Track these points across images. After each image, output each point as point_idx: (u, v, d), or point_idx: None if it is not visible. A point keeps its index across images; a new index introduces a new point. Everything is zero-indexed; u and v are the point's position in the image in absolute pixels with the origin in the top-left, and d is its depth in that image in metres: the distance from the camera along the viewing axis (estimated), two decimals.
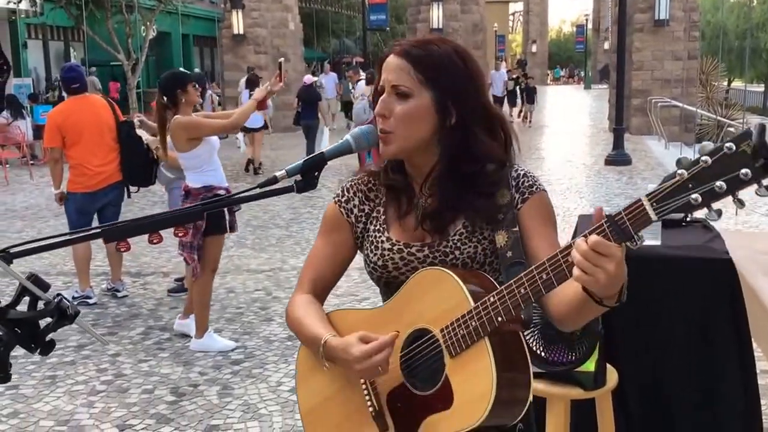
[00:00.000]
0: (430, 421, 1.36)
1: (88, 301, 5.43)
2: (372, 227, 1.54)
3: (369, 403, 1.44)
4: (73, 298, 5.34)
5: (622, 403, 2.37)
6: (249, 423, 3.60)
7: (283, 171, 1.42)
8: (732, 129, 14.52)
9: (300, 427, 3.25)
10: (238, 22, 18.79)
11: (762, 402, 2.81)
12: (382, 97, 1.44)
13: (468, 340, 1.31)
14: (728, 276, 2.38)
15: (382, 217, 1.53)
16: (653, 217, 1.12)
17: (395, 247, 1.48)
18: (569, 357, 2.20)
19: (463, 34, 18.81)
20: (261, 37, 19.13)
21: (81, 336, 4.76)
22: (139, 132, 5.67)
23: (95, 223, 5.69)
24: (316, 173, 1.44)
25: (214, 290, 5.78)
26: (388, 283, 1.51)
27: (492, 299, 1.29)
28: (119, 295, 5.63)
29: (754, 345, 2.62)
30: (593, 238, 1.17)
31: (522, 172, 1.49)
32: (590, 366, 2.23)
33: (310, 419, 1.57)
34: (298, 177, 1.43)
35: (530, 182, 1.47)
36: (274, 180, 1.42)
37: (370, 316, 1.48)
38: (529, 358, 1.33)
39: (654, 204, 1.10)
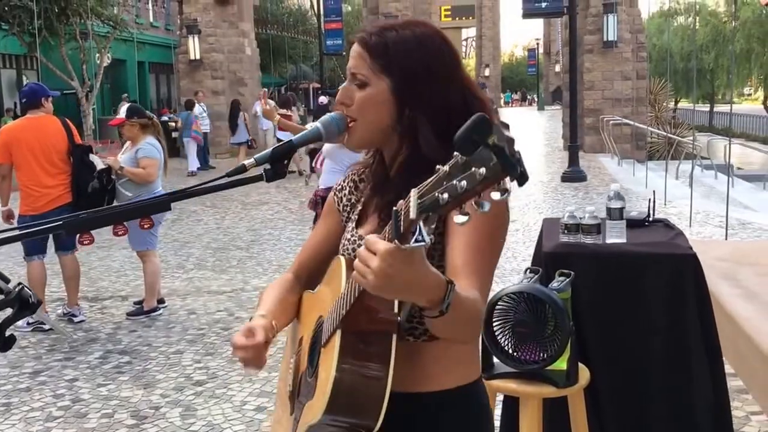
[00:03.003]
0: (305, 407, 1.36)
1: (43, 326, 5.24)
2: (351, 217, 1.53)
3: (289, 383, 1.51)
4: (28, 323, 5.17)
5: (595, 400, 2.37)
6: None
7: (252, 159, 1.39)
8: (682, 146, 14.96)
9: None
10: (194, 48, 18.69)
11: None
12: (343, 85, 1.41)
13: (329, 330, 1.28)
14: (694, 270, 2.42)
15: (359, 207, 1.51)
16: (412, 213, 0.96)
17: (352, 238, 1.46)
18: (541, 355, 2.19)
19: None
20: (218, 63, 19.05)
21: (36, 362, 4.59)
22: (93, 157, 5.55)
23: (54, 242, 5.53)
24: (286, 161, 1.41)
25: (175, 312, 5.67)
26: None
27: (344, 289, 1.25)
28: (76, 320, 5.45)
29: None
30: (367, 236, 1.08)
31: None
32: (562, 364, 2.22)
33: (277, 392, 1.69)
34: (267, 166, 1.40)
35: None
36: (243, 169, 1.38)
37: (308, 303, 1.53)
38: (392, 360, 1.21)
39: (418, 200, 0.96)
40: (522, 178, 0.90)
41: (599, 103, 17.73)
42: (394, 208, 1.03)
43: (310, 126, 1.48)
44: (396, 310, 1.23)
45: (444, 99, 1.34)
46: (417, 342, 1.33)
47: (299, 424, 1.37)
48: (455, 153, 0.93)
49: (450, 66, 1.38)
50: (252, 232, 9.01)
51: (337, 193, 1.58)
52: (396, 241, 1.01)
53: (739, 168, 16.89)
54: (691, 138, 15.02)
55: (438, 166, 0.95)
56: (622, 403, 2.45)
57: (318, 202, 4.97)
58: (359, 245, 1.33)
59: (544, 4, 15.90)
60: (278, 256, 7.64)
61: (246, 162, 1.38)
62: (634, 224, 2.76)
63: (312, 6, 28.33)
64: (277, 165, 1.40)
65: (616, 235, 2.52)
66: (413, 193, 0.97)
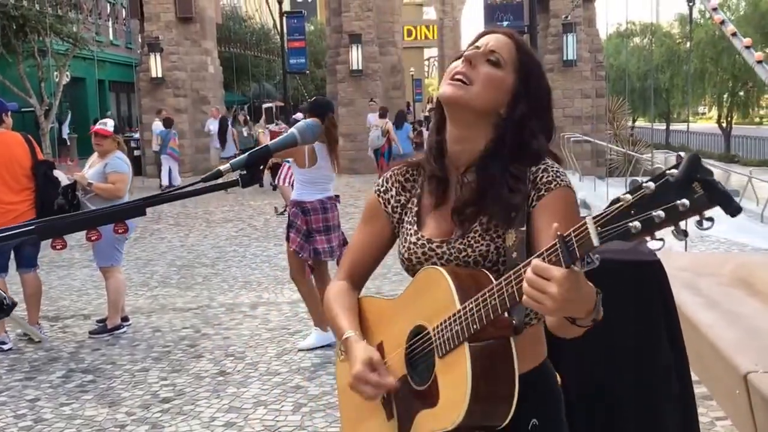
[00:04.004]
0: (421, 415, 1.39)
1: (3, 347, 5.10)
2: (406, 218, 1.54)
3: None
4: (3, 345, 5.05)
5: (566, 405, 2.39)
6: None
7: (228, 165, 1.40)
8: (642, 163, 15.29)
9: None
10: (156, 66, 18.53)
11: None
12: (474, 51, 1.45)
13: (451, 343, 1.31)
14: (658, 276, 2.47)
15: (415, 209, 1.53)
16: (595, 242, 1.05)
17: (419, 242, 1.48)
18: None
19: (382, 75, 19.18)
20: (180, 81, 18.91)
21: None
22: (57, 173, 5.46)
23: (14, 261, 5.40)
24: (261, 167, 1.42)
25: (139, 329, 5.58)
26: (414, 274, 1.51)
27: (470, 305, 1.28)
28: (36, 339, 5.32)
29: None
30: (534, 262, 1.15)
31: (543, 167, 1.42)
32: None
33: (343, 396, 1.65)
34: (243, 171, 1.41)
35: (550, 177, 1.41)
36: (218, 174, 1.39)
37: (387, 307, 1.53)
38: (515, 363, 1.30)
39: (599, 228, 1.05)
40: (736, 210, 0.97)
41: (560, 120, 18.04)
42: (560, 233, 1.12)
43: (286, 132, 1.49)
44: (507, 314, 1.31)
45: (549, 114, 1.51)
46: None
47: (416, 430, 1.40)
48: (646, 183, 1.00)
49: (551, 94, 1.54)
50: (217, 249, 8.92)
51: (381, 194, 1.58)
52: (571, 266, 1.10)
53: None
54: (650, 155, 15.41)
55: (620, 196, 1.03)
56: (592, 409, 2.48)
57: (292, 222, 4.93)
58: (430, 249, 1.46)
59: (505, 23, 16.19)
60: (244, 272, 7.58)
61: (221, 167, 1.39)
62: None
63: (275, 25, 28.35)
64: (253, 170, 1.41)
65: None
66: (590, 222, 1.07)
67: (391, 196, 1.56)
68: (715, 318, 3.92)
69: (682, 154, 1.09)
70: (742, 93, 32.56)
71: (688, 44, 30.23)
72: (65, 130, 22.88)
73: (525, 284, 1.15)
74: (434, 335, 1.35)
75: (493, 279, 1.34)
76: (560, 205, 1.39)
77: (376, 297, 1.60)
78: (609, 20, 71.10)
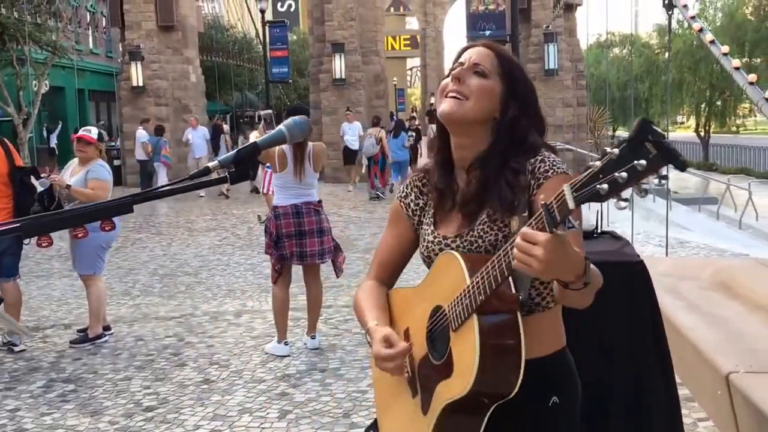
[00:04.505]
0: (439, 386, 1.49)
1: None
2: (424, 220, 1.68)
3: (406, 369, 1.59)
4: None
5: None
6: None
7: (216, 162, 1.40)
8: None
9: None
10: (137, 74, 18.44)
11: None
12: (460, 68, 1.58)
13: (463, 316, 1.42)
14: (643, 277, 2.50)
15: (431, 210, 1.66)
16: (571, 204, 1.17)
17: (435, 240, 1.61)
18: None
19: (365, 84, 19.22)
20: (162, 89, 18.82)
21: None
22: (34, 180, 5.39)
23: None
24: (250, 164, 1.42)
25: (121, 339, 5.52)
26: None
27: (476, 279, 1.40)
28: (16, 349, 5.25)
29: None
30: (523, 230, 1.26)
31: (540, 158, 1.54)
32: None
33: (377, 385, 1.77)
34: (232, 168, 1.41)
35: (546, 167, 1.52)
36: (207, 171, 1.39)
37: (411, 294, 1.64)
38: (521, 332, 1.39)
39: (574, 193, 1.16)
40: (684, 165, 1.12)
41: None
42: (543, 202, 1.23)
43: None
44: (514, 290, 1.42)
45: (538, 110, 1.63)
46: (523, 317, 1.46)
47: (434, 402, 1.50)
48: (610, 150, 1.11)
49: (536, 92, 1.67)
50: (200, 258, 8.87)
51: (403, 200, 1.73)
52: (553, 229, 1.21)
53: (675, 192, 17.52)
54: None
55: (590, 163, 1.14)
56: (580, 409, 2.49)
57: (271, 232, 4.92)
58: (446, 244, 1.57)
59: (487, 33, 16.31)
60: (228, 280, 7.53)
61: (210, 164, 1.39)
62: (582, 236, 2.84)
63: (257, 34, 28.34)
64: (242, 167, 1.41)
65: None
66: (566, 188, 1.17)
67: (411, 201, 1.71)
68: (696, 321, 3.96)
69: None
70: (719, 102, 33.01)
71: (667, 54, 30.65)
72: (53, 140, 22.67)
73: (515, 250, 1.27)
74: (449, 311, 1.47)
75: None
76: (557, 189, 1.49)
77: (402, 288, 1.72)
78: (589, 31, 71.95)
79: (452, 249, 1.56)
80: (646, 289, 2.53)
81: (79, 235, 4.56)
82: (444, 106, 1.57)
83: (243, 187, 15.99)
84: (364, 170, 15.73)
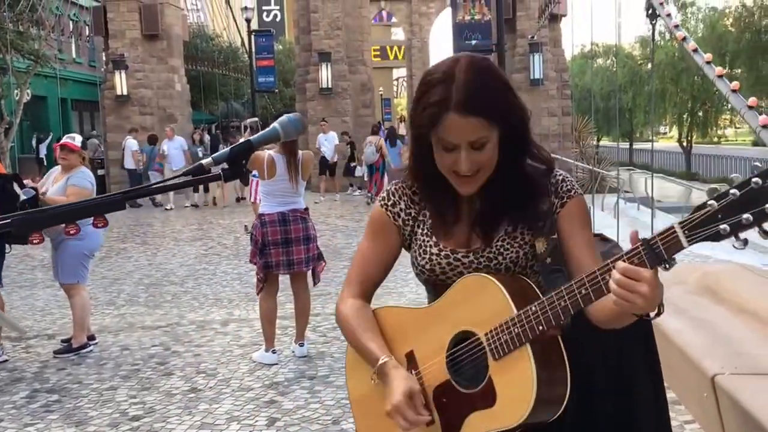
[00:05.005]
0: (474, 416, 1.44)
1: None
2: (420, 230, 1.57)
3: (430, 415, 1.50)
4: None
5: None
6: None
7: (210, 159, 1.39)
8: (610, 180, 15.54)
9: None
10: (121, 83, 18.35)
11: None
12: (463, 157, 1.41)
13: (510, 345, 1.38)
14: None
15: (429, 221, 1.57)
16: (684, 243, 1.19)
17: (442, 253, 1.53)
18: None
19: (352, 93, 19.25)
20: (146, 98, 18.75)
21: None
22: (17, 188, 5.34)
23: None
24: (244, 161, 1.41)
25: (107, 348, 5.46)
26: (436, 285, 1.56)
27: (534, 309, 1.36)
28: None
29: None
30: (621, 265, 1.24)
31: (560, 177, 1.53)
32: None
33: (359, 407, 1.65)
34: (225, 165, 1.40)
35: (568, 186, 1.52)
36: (200, 168, 1.38)
37: (418, 316, 1.55)
38: (566, 361, 1.39)
39: (686, 232, 1.18)
40: None
41: None
42: (645, 238, 1.23)
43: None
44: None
45: (523, 115, 1.48)
46: None
47: (465, 430, 1.45)
48: (731, 191, 1.13)
49: (513, 92, 1.48)
50: (186, 268, 8.81)
51: (390, 208, 1.60)
52: (658, 267, 1.23)
53: (658, 201, 17.67)
54: (615, 173, 15.68)
55: (708, 202, 1.15)
56: (569, 413, 2.50)
57: (257, 240, 4.90)
58: (455, 259, 1.50)
59: (473, 42, 16.41)
60: (214, 290, 7.49)
61: (204, 161, 1.38)
62: None
63: (243, 43, 28.32)
64: (235, 165, 1.40)
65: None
66: (677, 227, 1.19)
67: (401, 209, 1.59)
68: (683, 324, 3.99)
69: (758, 164, 1.18)
70: (701, 113, 33.39)
71: (650, 65, 30.98)
72: (43, 150, 22.49)
73: (614, 285, 1.24)
74: (487, 339, 1.41)
75: (531, 283, 1.45)
76: (581, 213, 1.52)
77: (394, 307, 1.62)
78: (574, 41, 72.56)
79: (462, 263, 1.51)
80: None
81: (72, 232, 4.52)
82: (465, 189, 1.47)
83: (231, 197, 15.94)
84: (366, 177, 15.84)
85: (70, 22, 27.02)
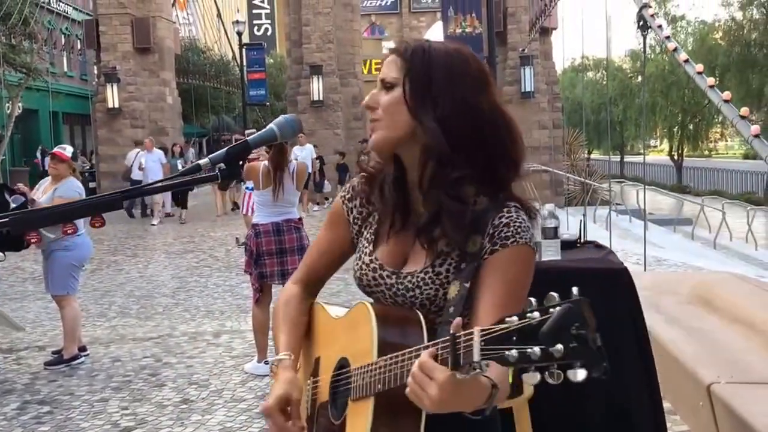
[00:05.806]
0: None
1: None
2: (365, 233, 1.47)
3: (307, 405, 1.49)
4: None
5: (540, 414, 2.40)
6: None
7: (207, 159, 1.38)
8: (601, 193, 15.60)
9: None
10: (113, 96, 18.34)
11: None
12: (372, 91, 1.38)
13: (361, 391, 1.28)
14: (627, 283, 2.52)
15: (374, 226, 1.45)
16: (476, 356, 0.97)
17: (372, 265, 1.41)
18: None
19: (343, 105, 19.32)
20: (138, 111, 18.74)
21: None
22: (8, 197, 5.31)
23: None
24: (240, 162, 1.40)
25: (98, 360, 5.41)
26: (365, 291, 1.46)
27: (380, 364, 1.23)
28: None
29: None
30: (423, 358, 1.08)
31: (505, 221, 1.29)
32: (509, 377, 2.24)
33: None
34: (222, 166, 1.39)
35: (510, 233, 1.28)
36: (197, 168, 1.37)
37: (334, 324, 1.47)
38: (422, 423, 1.23)
39: (482, 344, 0.97)
40: (605, 373, 0.89)
41: None
42: (452, 332, 1.03)
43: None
44: None
45: (469, 108, 1.30)
46: None
47: None
48: (531, 313, 0.92)
49: (481, 80, 1.34)
50: (178, 280, 8.76)
51: (346, 202, 1.50)
52: (453, 369, 1.02)
53: (650, 213, 17.77)
54: (606, 185, 15.77)
55: (507, 317, 0.94)
56: (564, 418, 2.49)
57: (252, 250, 4.88)
58: (380, 275, 1.38)
59: None
60: (206, 302, 7.44)
61: (201, 161, 1.37)
62: (566, 245, 2.87)
63: (234, 56, 28.38)
64: (232, 165, 1.39)
65: (551, 254, 2.61)
66: (477, 334, 0.98)
67: (354, 206, 1.49)
68: (677, 334, 3.99)
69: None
70: (691, 126, 33.65)
71: (640, 78, 31.22)
72: (48, 162, 22.35)
73: (410, 378, 1.09)
74: (353, 376, 1.32)
75: (424, 331, 1.27)
76: (512, 265, 1.28)
77: (327, 307, 1.52)
78: (565, 54, 73.21)
79: (385, 283, 1.37)
80: (629, 293, 2.55)
81: (69, 231, 4.49)
82: (370, 137, 1.37)
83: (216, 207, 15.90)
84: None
85: (62, 36, 27.03)
